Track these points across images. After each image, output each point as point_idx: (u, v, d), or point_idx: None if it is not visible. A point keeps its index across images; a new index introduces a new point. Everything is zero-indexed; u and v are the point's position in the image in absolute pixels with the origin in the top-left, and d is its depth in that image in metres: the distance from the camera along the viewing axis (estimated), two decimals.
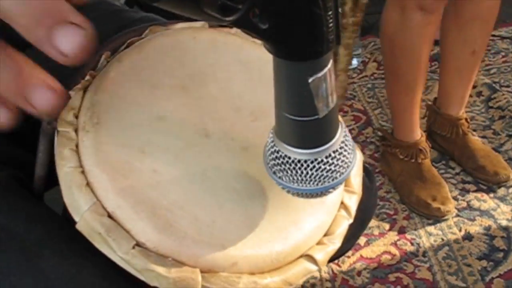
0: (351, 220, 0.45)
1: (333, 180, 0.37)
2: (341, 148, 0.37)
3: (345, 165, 0.37)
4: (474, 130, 1.71)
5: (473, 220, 1.43)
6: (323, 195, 0.38)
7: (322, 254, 0.42)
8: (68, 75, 0.40)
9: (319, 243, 0.43)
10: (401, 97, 1.47)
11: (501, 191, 1.51)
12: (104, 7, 0.73)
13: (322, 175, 0.37)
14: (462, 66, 1.46)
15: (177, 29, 0.49)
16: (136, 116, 0.42)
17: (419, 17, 1.30)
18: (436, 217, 1.44)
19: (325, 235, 0.44)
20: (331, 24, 0.32)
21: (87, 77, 0.43)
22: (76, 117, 0.41)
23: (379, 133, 1.68)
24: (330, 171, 0.37)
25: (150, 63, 0.45)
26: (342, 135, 0.37)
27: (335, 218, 0.45)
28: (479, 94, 1.91)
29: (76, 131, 0.41)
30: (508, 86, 1.93)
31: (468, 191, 1.53)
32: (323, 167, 0.36)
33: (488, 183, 1.53)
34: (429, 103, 1.65)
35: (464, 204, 1.48)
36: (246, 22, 0.31)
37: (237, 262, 0.39)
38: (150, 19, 0.69)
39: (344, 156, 0.37)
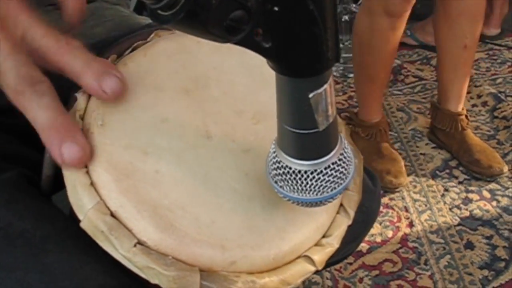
0: (350, 222, 0.46)
1: (331, 190, 0.39)
2: (340, 160, 0.38)
3: (344, 176, 0.39)
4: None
5: (475, 229, 1.44)
6: (322, 204, 0.40)
7: (320, 255, 0.43)
8: None
9: (317, 244, 0.44)
10: (364, 86, 1.63)
11: (504, 201, 1.51)
12: (114, 13, 0.74)
13: (321, 185, 0.38)
14: (456, 61, 1.57)
15: (182, 33, 0.50)
16: (140, 118, 0.43)
17: (385, 21, 1.44)
18: (388, 189, 1.57)
19: (324, 236, 0.45)
20: (330, 43, 0.33)
21: None
22: (82, 118, 0.42)
23: (347, 114, 1.79)
24: (329, 182, 0.38)
25: (154, 67, 0.46)
26: (341, 147, 0.39)
27: (334, 220, 0.45)
28: (484, 103, 1.92)
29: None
30: None
31: (471, 201, 1.53)
32: (322, 177, 0.38)
33: (482, 176, 1.60)
34: (434, 100, 1.72)
35: (467, 214, 1.49)
36: (250, 41, 0.32)
37: (236, 262, 0.40)
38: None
39: (342, 167, 0.39)
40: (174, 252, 0.39)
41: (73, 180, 0.40)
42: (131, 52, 0.47)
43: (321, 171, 0.38)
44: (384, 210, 1.52)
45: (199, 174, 0.42)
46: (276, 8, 0.31)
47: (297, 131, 0.36)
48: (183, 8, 0.30)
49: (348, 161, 0.39)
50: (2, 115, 0.56)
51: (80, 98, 0.43)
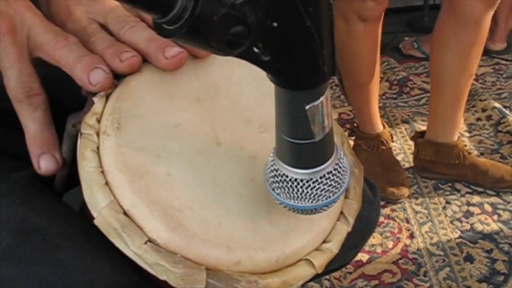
0: (349, 229, 0.48)
1: (326, 198, 0.41)
2: (335, 169, 0.40)
3: (338, 186, 0.41)
4: (482, 154, 1.73)
5: (476, 242, 1.45)
6: (317, 212, 0.42)
7: (320, 260, 0.45)
8: None
9: (318, 249, 0.46)
10: (356, 95, 1.63)
11: (505, 215, 1.53)
12: None
13: (317, 193, 0.40)
14: (462, 90, 1.54)
15: None
16: (154, 123, 0.45)
17: (361, 27, 1.45)
18: (390, 200, 1.58)
19: (324, 241, 0.47)
20: (326, 58, 0.35)
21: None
22: (99, 121, 0.44)
23: (349, 127, 1.79)
24: (324, 190, 0.40)
25: (168, 75, 0.48)
26: (337, 157, 0.41)
27: (334, 226, 0.48)
28: (488, 118, 1.93)
29: (97, 134, 0.44)
30: None
31: (472, 214, 1.54)
32: (317, 186, 0.40)
33: (510, 189, 1.60)
34: (420, 139, 1.67)
35: (468, 227, 1.50)
36: (250, 55, 0.34)
37: (241, 262, 0.42)
38: None
39: (337, 177, 0.40)
40: (182, 251, 0.41)
41: (89, 180, 0.42)
42: (145, 60, 0.49)
43: (317, 180, 0.40)
44: (385, 221, 1.53)
45: (208, 178, 0.44)
46: (275, 24, 0.33)
47: (294, 141, 0.38)
48: (186, 23, 0.32)
49: (343, 171, 0.41)
50: (15, 116, 0.58)
51: (98, 102, 0.45)
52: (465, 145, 1.63)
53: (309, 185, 0.40)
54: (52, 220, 0.47)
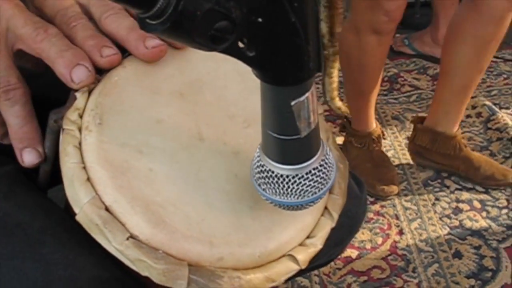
0: (333, 224, 0.48)
1: (312, 194, 0.41)
2: (321, 165, 0.40)
3: (324, 182, 0.41)
4: (472, 150, 1.74)
5: (464, 239, 1.46)
6: (303, 208, 0.42)
7: (304, 255, 0.45)
8: None
9: (301, 244, 0.46)
10: (355, 99, 1.64)
11: (494, 212, 1.54)
12: None
13: (303, 189, 0.40)
14: (471, 84, 1.54)
15: None
16: (136, 118, 0.45)
17: (373, 39, 1.44)
18: (380, 197, 1.59)
19: (308, 237, 0.47)
20: (312, 54, 0.35)
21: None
22: (81, 117, 0.44)
23: (341, 122, 1.79)
24: (310, 186, 0.40)
25: (151, 70, 0.48)
26: (323, 153, 0.40)
27: (318, 222, 0.48)
28: (478, 115, 1.94)
29: (80, 130, 0.43)
30: (508, 108, 1.96)
31: (461, 211, 1.55)
32: (303, 182, 0.40)
33: (500, 186, 1.61)
34: (419, 125, 1.68)
35: (457, 223, 1.51)
36: (234, 50, 0.34)
37: (223, 258, 0.42)
38: None
39: (323, 173, 0.40)
40: (164, 247, 0.40)
41: (70, 175, 0.42)
42: (129, 55, 0.49)
43: (302, 176, 0.40)
44: (375, 217, 1.53)
45: (191, 174, 0.44)
46: (259, 20, 0.33)
47: (280, 136, 0.38)
48: (169, 18, 0.31)
49: (329, 167, 0.41)
50: None
51: (80, 98, 0.44)
52: (462, 137, 1.64)
53: (295, 181, 0.40)
54: (35, 215, 0.46)
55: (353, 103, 1.65)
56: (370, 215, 1.54)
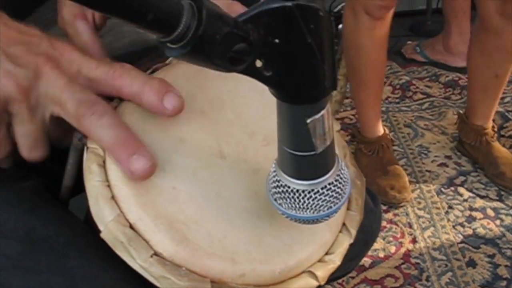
0: (351, 240, 0.49)
1: (328, 209, 0.41)
2: (336, 180, 0.41)
3: (340, 196, 0.41)
4: None
5: (478, 247, 1.45)
6: (318, 222, 0.42)
7: (323, 271, 0.46)
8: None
9: (320, 260, 0.47)
10: (359, 92, 1.65)
11: (508, 220, 1.53)
12: (130, 29, 0.77)
13: (318, 204, 0.41)
14: (486, 86, 1.61)
15: None
16: (159, 137, 0.46)
17: (366, 20, 1.47)
18: (392, 204, 1.60)
19: (327, 253, 0.47)
20: (327, 73, 0.36)
21: (116, 100, 0.48)
22: None
23: (351, 131, 1.83)
24: (325, 201, 0.41)
25: None
26: (338, 168, 0.41)
27: (337, 238, 0.48)
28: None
29: (103, 148, 0.45)
30: None
31: (474, 219, 1.55)
32: (319, 197, 0.41)
33: (506, 188, 1.63)
34: (460, 112, 1.77)
35: (470, 231, 1.50)
36: (251, 70, 0.35)
37: (245, 274, 0.43)
38: None
39: (339, 188, 0.41)
40: (187, 264, 0.41)
41: (95, 193, 0.43)
42: (151, 73, 0.50)
43: (318, 191, 0.40)
44: (388, 226, 1.54)
45: (212, 192, 0.45)
46: (276, 41, 0.34)
47: (296, 153, 0.39)
48: (190, 42, 0.32)
49: (344, 181, 0.42)
50: None
51: None
52: (486, 133, 1.68)
53: (311, 196, 0.41)
54: (59, 230, 0.47)
55: (357, 97, 1.67)
56: (383, 223, 1.54)
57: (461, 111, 1.78)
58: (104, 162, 0.44)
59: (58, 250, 0.46)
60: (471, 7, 2.09)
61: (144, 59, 0.55)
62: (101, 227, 0.42)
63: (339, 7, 2.23)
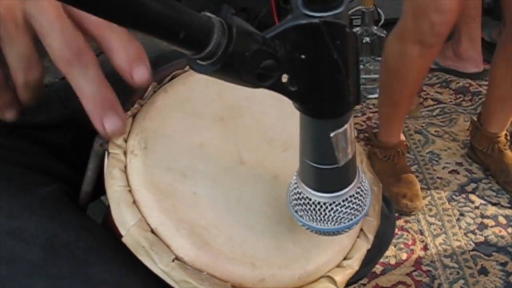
0: (369, 246, 0.49)
1: (348, 221, 0.42)
2: (357, 193, 0.41)
3: (360, 208, 0.42)
4: None
5: (490, 255, 1.45)
6: (339, 233, 0.43)
7: (341, 276, 0.46)
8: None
9: (339, 265, 0.47)
10: (386, 108, 1.64)
11: None
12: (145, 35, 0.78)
13: (339, 216, 0.41)
14: (507, 96, 1.59)
15: None
16: (180, 142, 0.46)
17: (417, 51, 1.41)
18: (404, 212, 1.59)
19: (345, 258, 0.48)
20: (352, 88, 0.36)
21: (136, 105, 0.48)
22: (125, 141, 0.46)
23: (366, 135, 1.81)
24: (346, 213, 0.41)
25: (193, 95, 0.49)
26: (359, 180, 0.42)
27: (355, 243, 0.49)
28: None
29: (125, 153, 0.45)
30: None
31: (486, 226, 1.54)
32: (340, 209, 0.41)
33: None
34: (473, 118, 1.76)
35: (482, 239, 1.50)
36: (278, 86, 0.35)
37: (265, 279, 0.43)
38: None
39: (359, 200, 0.41)
40: (208, 268, 0.42)
41: (117, 198, 0.43)
42: (170, 80, 0.51)
43: (339, 203, 0.41)
44: (399, 233, 1.53)
45: (232, 197, 0.46)
46: (303, 56, 0.34)
47: (318, 166, 0.39)
48: (220, 59, 0.32)
49: (365, 194, 0.42)
50: (41, 131, 0.60)
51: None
52: (499, 141, 1.68)
53: (332, 208, 0.41)
54: (80, 235, 0.48)
55: (384, 112, 1.65)
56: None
57: (473, 117, 1.77)
58: (125, 167, 0.44)
59: (79, 256, 0.46)
60: (481, 14, 2.09)
61: (159, 68, 0.55)
62: (123, 232, 0.42)
63: (352, 10, 2.22)
